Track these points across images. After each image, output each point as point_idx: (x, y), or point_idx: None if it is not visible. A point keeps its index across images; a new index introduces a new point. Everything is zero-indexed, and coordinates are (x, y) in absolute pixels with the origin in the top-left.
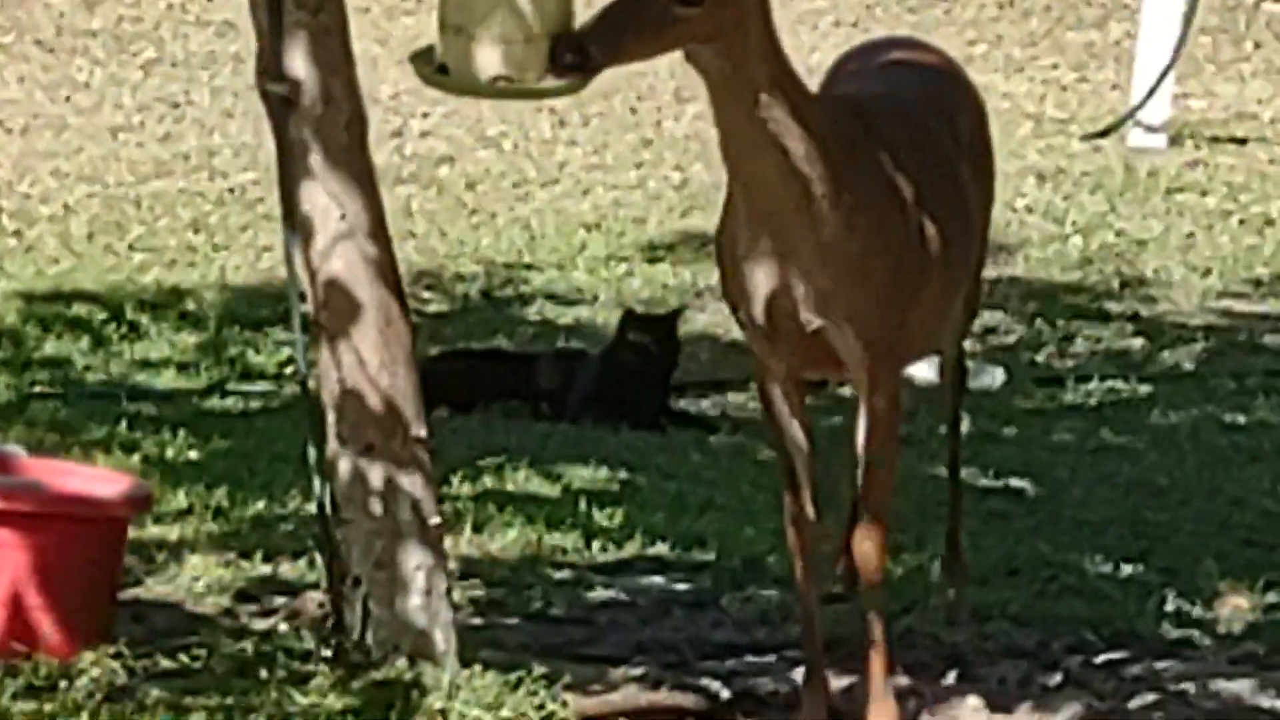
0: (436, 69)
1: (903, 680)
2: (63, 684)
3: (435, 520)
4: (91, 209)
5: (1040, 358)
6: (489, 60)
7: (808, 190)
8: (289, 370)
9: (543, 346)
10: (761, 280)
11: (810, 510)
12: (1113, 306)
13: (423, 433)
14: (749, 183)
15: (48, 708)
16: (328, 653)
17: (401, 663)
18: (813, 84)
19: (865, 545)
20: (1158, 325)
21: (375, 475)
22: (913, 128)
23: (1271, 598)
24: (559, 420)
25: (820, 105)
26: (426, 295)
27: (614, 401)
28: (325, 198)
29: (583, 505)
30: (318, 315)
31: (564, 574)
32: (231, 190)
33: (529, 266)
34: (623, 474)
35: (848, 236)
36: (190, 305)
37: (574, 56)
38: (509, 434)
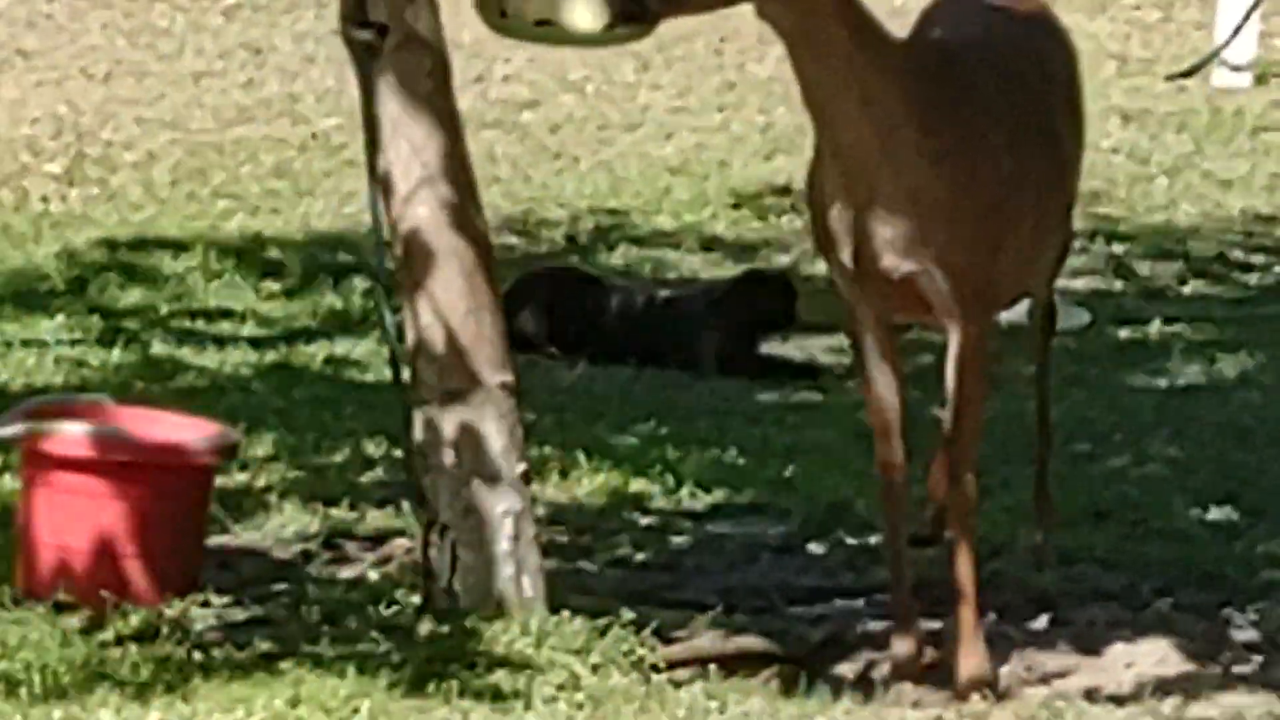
0: (499, 13)
1: (991, 624)
2: (152, 633)
3: (522, 466)
4: (174, 156)
5: (1125, 299)
6: (546, 4)
7: (893, 137)
8: (374, 317)
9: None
10: (851, 226)
11: (900, 454)
12: (1199, 247)
13: (509, 378)
14: (832, 133)
15: (138, 656)
16: (416, 600)
17: (489, 610)
18: (900, 29)
19: (954, 488)
20: (1244, 265)
21: (461, 421)
22: (1003, 72)
23: None
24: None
25: (906, 51)
26: (511, 241)
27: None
28: (409, 144)
29: (669, 451)
30: (402, 262)
31: (650, 520)
32: (314, 136)
33: (613, 211)
34: (708, 419)
35: (935, 182)
36: (274, 252)
37: (632, 5)
38: (595, 379)
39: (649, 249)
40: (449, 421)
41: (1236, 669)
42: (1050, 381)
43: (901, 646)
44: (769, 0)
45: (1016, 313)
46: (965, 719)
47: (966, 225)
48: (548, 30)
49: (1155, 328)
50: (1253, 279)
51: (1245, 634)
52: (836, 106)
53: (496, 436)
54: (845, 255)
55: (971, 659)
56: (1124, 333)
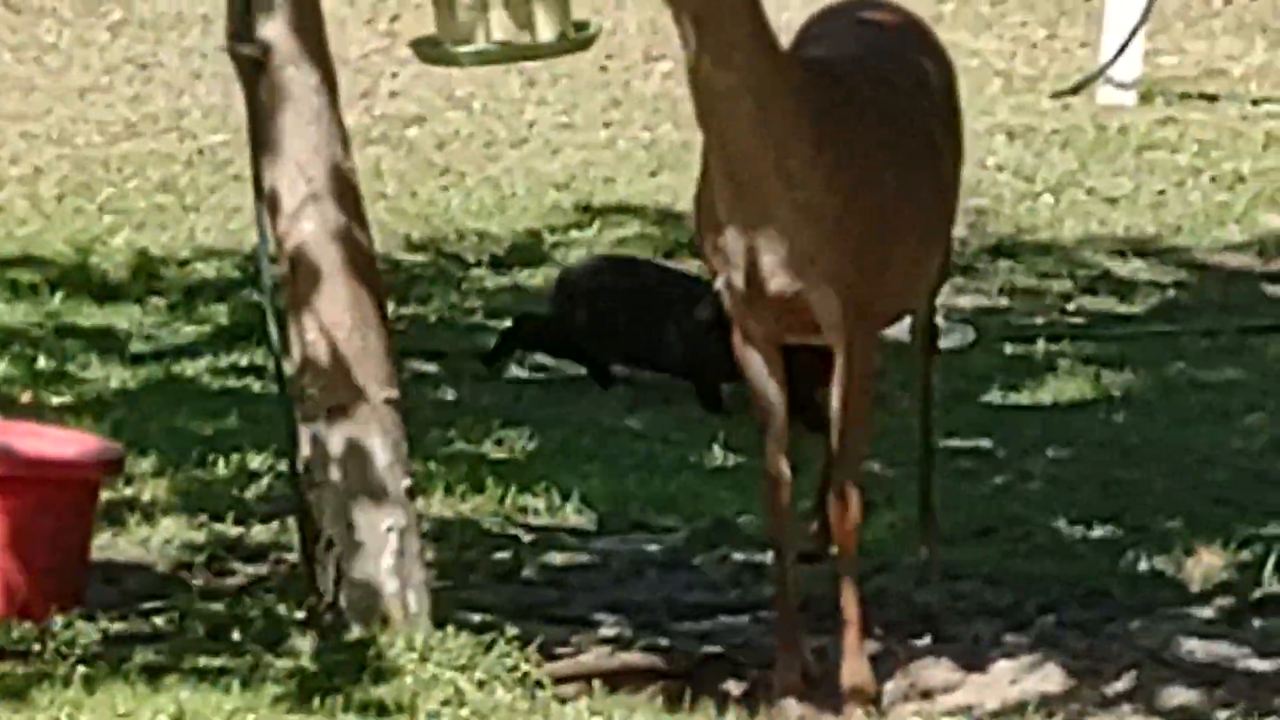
0: (437, 45)
1: (876, 640)
2: (35, 647)
3: (407, 482)
4: (60, 170)
5: (1010, 316)
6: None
7: (786, 151)
8: (260, 333)
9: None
10: (741, 244)
11: (786, 470)
12: (1083, 264)
13: (394, 394)
14: (726, 145)
15: (21, 671)
16: (301, 615)
17: (374, 625)
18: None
19: (839, 505)
20: (1129, 283)
21: (346, 437)
22: (886, 87)
23: (1243, 555)
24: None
25: (796, 63)
26: (398, 256)
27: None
28: (295, 160)
29: (554, 466)
30: (288, 277)
31: (536, 535)
32: (201, 152)
33: (499, 226)
34: (594, 435)
35: (827, 198)
36: (160, 267)
37: None
38: (480, 394)
39: (534, 266)
40: (334, 437)
41: (1119, 686)
42: (933, 398)
43: (786, 663)
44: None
45: (899, 330)
46: None
47: (856, 241)
48: (490, 51)
49: (1040, 345)
50: (1137, 297)
51: (1128, 651)
52: (733, 117)
53: (382, 452)
54: (737, 276)
55: (856, 675)
56: (1009, 349)
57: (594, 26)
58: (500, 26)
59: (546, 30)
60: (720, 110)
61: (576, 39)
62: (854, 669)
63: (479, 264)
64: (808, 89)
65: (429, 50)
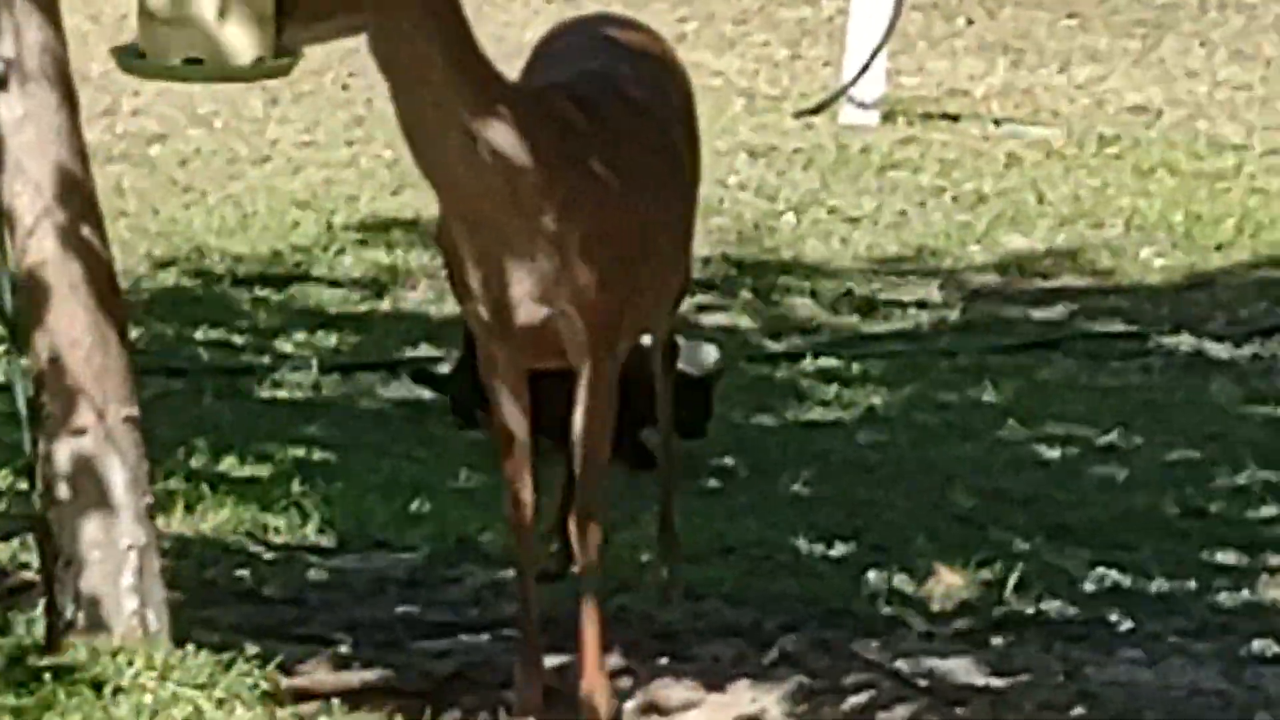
0: (137, 55)
1: (616, 659)
2: None
3: (147, 500)
4: None
5: (752, 336)
6: (198, 40)
7: (512, 184)
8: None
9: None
10: (484, 275)
11: (529, 490)
12: (825, 284)
13: (134, 412)
14: (444, 183)
15: None
16: (40, 634)
17: (115, 643)
18: (520, 64)
19: (580, 524)
20: (870, 302)
21: (86, 455)
22: (626, 107)
23: (984, 575)
24: None
25: (522, 90)
26: (140, 273)
27: None
28: (34, 177)
29: (296, 485)
30: (26, 295)
31: (277, 554)
32: None
33: (242, 244)
34: (337, 453)
35: (566, 225)
36: None
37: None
38: (221, 413)
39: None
40: (73, 455)
41: (859, 703)
42: (673, 416)
43: (526, 681)
44: (379, 38)
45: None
46: None
47: (600, 265)
48: (189, 69)
49: (783, 365)
50: (879, 316)
51: (868, 669)
52: (445, 158)
53: (121, 470)
54: (483, 306)
55: (595, 693)
56: (753, 369)
57: (300, 54)
58: (197, 45)
59: (245, 53)
60: (431, 156)
61: (275, 65)
62: (593, 687)
63: (220, 281)
64: (532, 117)
65: (125, 60)
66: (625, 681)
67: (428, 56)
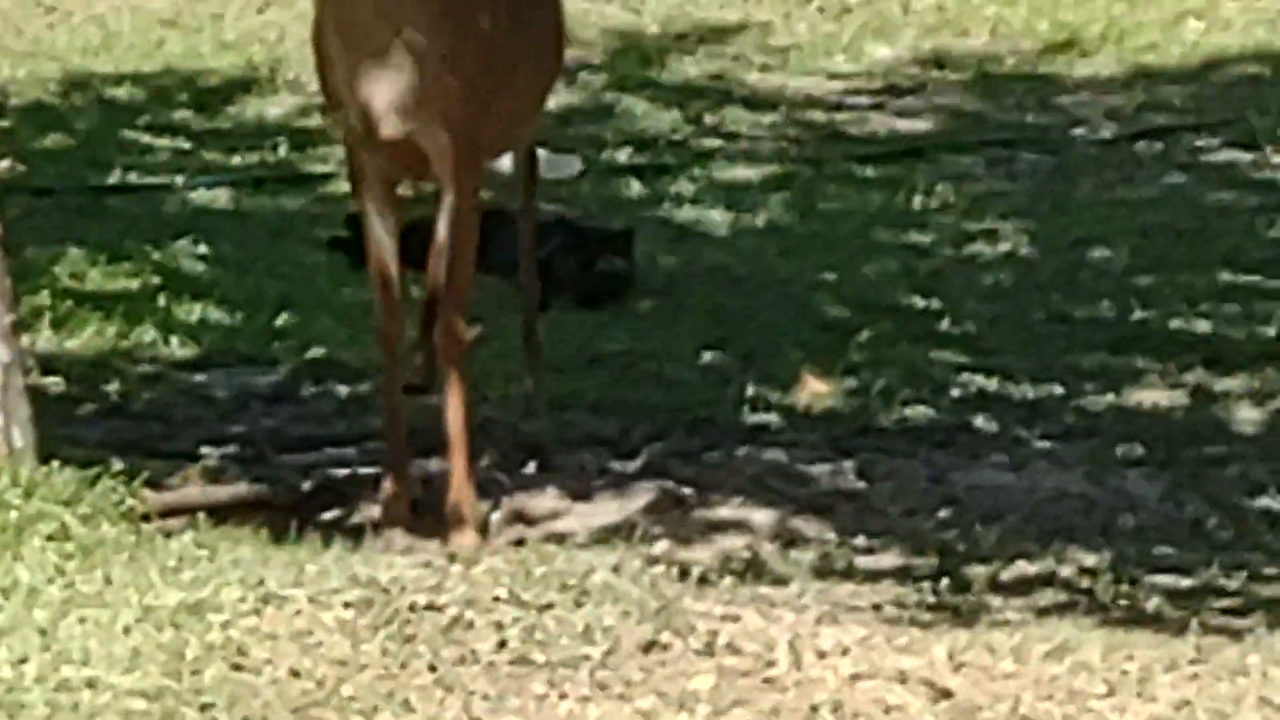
0: None
1: (483, 469)
2: None
3: (10, 317)
4: None
5: (621, 150)
6: None
7: None
8: None
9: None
10: (354, 84)
11: (397, 302)
12: (692, 94)
13: None
14: None
15: None
16: None
17: None
18: None
19: (447, 336)
20: (740, 116)
21: None
22: None
23: (850, 383)
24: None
25: None
26: (6, 92)
27: None
28: None
29: (161, 300)
30: None
31: (142, 370)
32: None
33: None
34: (201, 267)
35: (435, 39)
36: None
37: None
38: (87, 230)
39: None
40: None
41: (724, 512)
42: (535, 228)
43: (393, 492)
44: None
45: (502, 162)
46: (455, 563)
47: (465, 82)
48: None
49: (649, 175)
50: (745, 127)
51: (733, 477)
52: None
53: None
54: (352, 115)
55: (461, 503)
56: (616, 180)
57: None
58: None
59: None
60: None
61: None
62: (459, 497)
63: (87, 100)
64: None
65: None
66: (491, 492)
67: None
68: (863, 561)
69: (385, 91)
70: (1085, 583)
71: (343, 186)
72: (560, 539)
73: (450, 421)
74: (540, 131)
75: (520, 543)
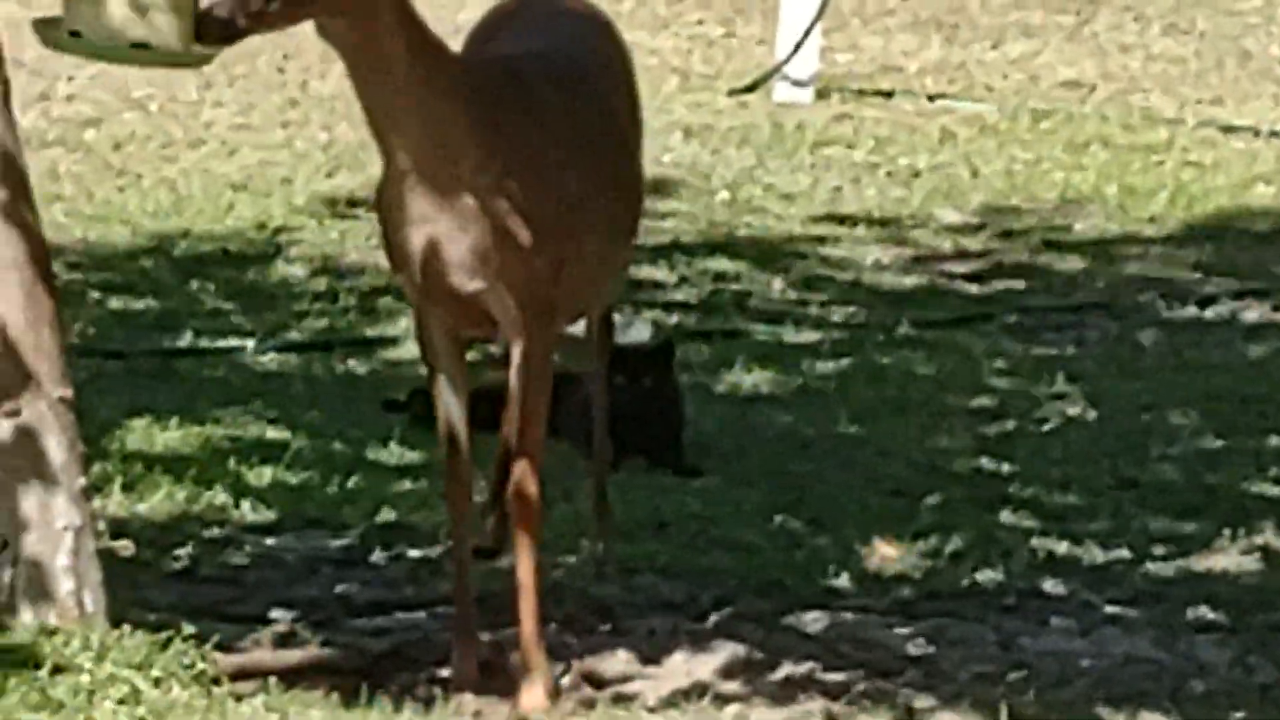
0: (68, 33)
1: (552, 633)
2: None
3: (82, 481)
4: None
5: (690, 314)
6: (124, 23)
7: (453, 156)
8: None
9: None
10: (417, 242)
11: (466, 464)
12: (762, 260)
13: (68, 393)
14: (395, 153)
15: None
16: None
17: (51, 624)
18: (459, 43)
19: (518, 498)
20: (808, 279)
21: (20, 436)
22: (568, 86)
23: (919, 547)
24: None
25: (465, 67)
26: (74, 258)
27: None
28: None
29: (232, 463)
30: None
31: (213, 533)
32: None
33: (176, 228)
34: (272, 432)
35: (499, 200)
36: None
37: (220, 24)
38: (157, 393)
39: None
40: (8, 435)
41: (795, 674)
42: (607, 392)
43: (463, 656)
44: (329, 18)
45: (576, 326)
46: None
47: (531, 243)
48: (117, 50)
49: (718, 340)
50: (814, 291)
51: (804, 642)
52: (395, 126)
53: (56, 450)
54: (414, 271)
55: (533, 668)
56: (688, 345)
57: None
58: (124, 24)
59: (172, 38)
60: (381, 119)
61: (200, 53)
62: (529, 658)
63: (157, 265)
64: (476, 91)
65: (46, 32)
66: (561, 655)
67: (380, 35)
68: None
69: (448, 249)
70: None
71: (411, 351)
72: (630, 702)
73: (520, 582)
74: (617, 295)
75: (590, 705)
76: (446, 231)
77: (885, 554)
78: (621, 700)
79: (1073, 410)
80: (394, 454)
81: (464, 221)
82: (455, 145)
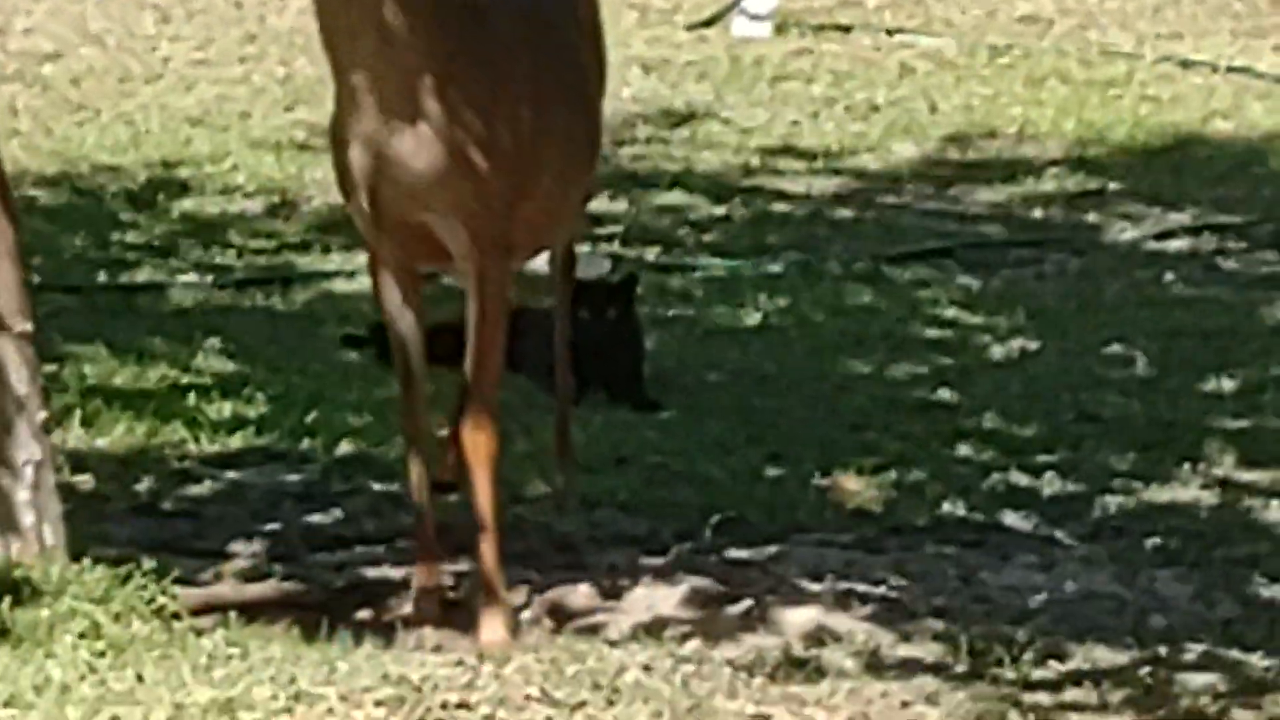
0: None
1: (513, 568)
2: None
3: (42, 415)
4: None
5: (649, 248)
6: None
7: (408, 81)
8: None
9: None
10: (367, 171)
11: (423, 398)
12: (720, 193)
13: (28, 327)
14: (347, 71)
15: None
16: None
17: (11, 557)
18: None
19: (475, 433)
20: (764, 213)
21: None
22: (529, 19)
23: (879, 481)
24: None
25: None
26: (33, 193)
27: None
28: None
29: (191, 398)
30: None
31: (173, 467)
32: None
33: (133, 162)
34: (231, 366)
35: (452, 129)
36: None
37: None
38: (116, 328)
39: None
40: None
41: (754, 609)
42: (569, 327)
43: (423, 591)
44: None
45: (539, 262)
46: (486, 661)
47: (483, 174)
48: None
49: (678, 273)
50: (771, 226)
51: (764, 576)
52: (354, 46)
53: (17, 384)
54: (364, 200)
55: (493, 603)
56: (647, 279)
57: None
58: None
59: None
60: (343, 43)
61: None
62: (490, 592)
63: (114, 198)
64: (441, 22)
65: None
66: (522, 590)
67: None
68: (893, 660)
69: (398, 177)
70: (1115, 683)
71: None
72: (592, 635)
73: (479, 516)
74: (578, 230)
75: (553, 638)
76: (397, 157)
77: (846, 488)
78: (584, 633)
79: (1032, 344)
80: (354, 388)
81: (415, 147)
82: (414, 70)
